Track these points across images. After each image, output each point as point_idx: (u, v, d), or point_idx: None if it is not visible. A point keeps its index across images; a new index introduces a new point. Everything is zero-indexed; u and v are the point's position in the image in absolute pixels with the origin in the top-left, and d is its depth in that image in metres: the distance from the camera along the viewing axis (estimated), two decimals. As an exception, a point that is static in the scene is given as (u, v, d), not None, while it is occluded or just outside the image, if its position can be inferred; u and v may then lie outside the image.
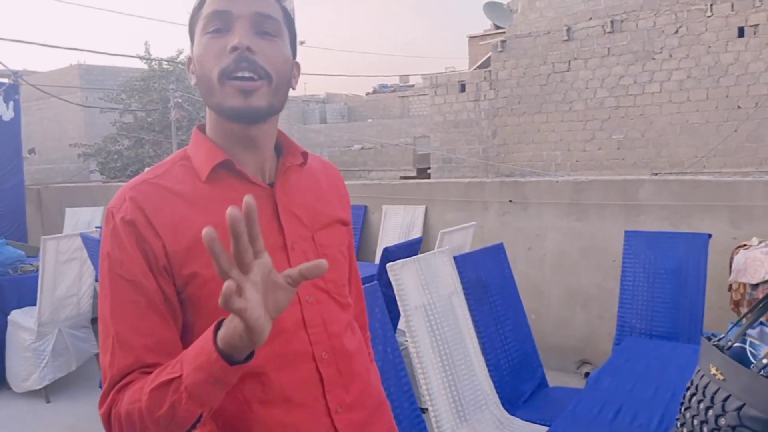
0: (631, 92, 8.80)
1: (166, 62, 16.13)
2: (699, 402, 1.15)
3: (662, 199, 3.53)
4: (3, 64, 7.11)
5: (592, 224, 3.76)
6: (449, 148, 10.73)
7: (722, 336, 1.22)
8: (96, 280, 3.67)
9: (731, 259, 3.00)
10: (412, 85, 26.53)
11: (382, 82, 27.95)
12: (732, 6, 7.92)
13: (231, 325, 0.71)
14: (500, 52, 10.05)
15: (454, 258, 2.45)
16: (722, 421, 1.08)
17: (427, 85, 12.63)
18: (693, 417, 1.16)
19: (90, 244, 3.45)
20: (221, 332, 0.73)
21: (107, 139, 16.22)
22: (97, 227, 4.67)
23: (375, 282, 2.03)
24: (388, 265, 2.15)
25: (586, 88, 9.20)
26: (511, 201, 4.06)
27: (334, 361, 0.97)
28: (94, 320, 3.90)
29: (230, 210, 0.66)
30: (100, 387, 0.89)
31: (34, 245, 4.96)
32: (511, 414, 2.26)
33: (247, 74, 0.89)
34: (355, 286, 1.19)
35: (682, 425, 1.21)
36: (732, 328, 1.24)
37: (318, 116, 23.70)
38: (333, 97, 26.79)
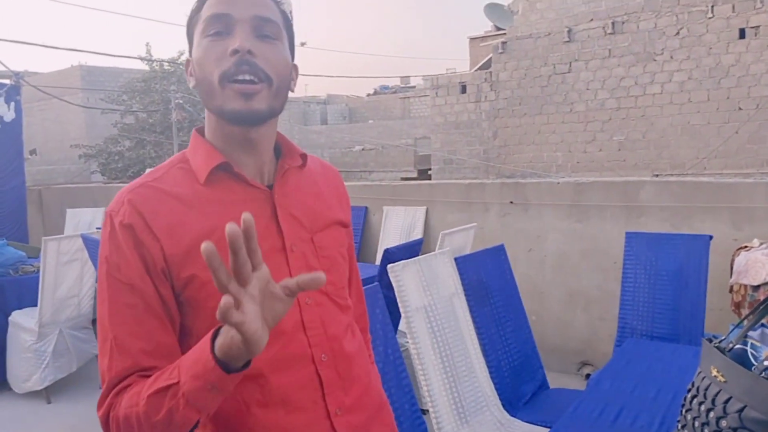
0: (632, 93, 8.80)
1: (167, 63, 16.15)
2: (700, 404, 1.15)
3: (663, 200, 3.53)
4: (4, 65, 7.12)
5: (593, 225, 3.76)
6: (450, 149, 10.73)
7: (723, 338, 1.22)
8: (96, 282, 3.67)
9: (732, 260, 2.99)
10: (413, 87, 26.53)
11: (383, 84, 27.97)
12: (733, 7, 7.92)
13: (228, 335, 0.72)
14: (501, 53, 10.06)
15: (455, 259, 2.45)
16: (723, 423, 1.08)
17: (428, 86, 12.64)
18: (694, 419, 1.16)
19: (91, 244, 3.45)
20: (219, 341, 0.73)
21: (108, 140, 16.23)
22: (98, 228, 4.67)
23: (376, 283, 2.03)
24: (388, 266, 2.15)
25: (587, 89, 9.20)
26: (511, 202, 4.06)
27: (334, 363, 0.97)
28: (95, 321, 3.90)
29: (229, 226, 0.67)
30: (101, 388, 0.90)
31: (35, 246, 4.96)
32: (512, 415, 2.26)
33: (248, 77, 0.89)
34: (355, 288, 1.19)
35: (683, 427, 1.20)
36: (733, 329, 1.24)
37: (319, 117, 23.71)
38: (334, 98, 26.80)
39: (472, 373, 2.23)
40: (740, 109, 7.96)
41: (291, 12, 1.00)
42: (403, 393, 1.93)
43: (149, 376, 0.84)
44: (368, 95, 27.09)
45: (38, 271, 3.74)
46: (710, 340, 1.21)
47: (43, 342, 3.65)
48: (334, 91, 27.56)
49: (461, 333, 2.27)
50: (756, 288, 2.72)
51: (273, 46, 0.93)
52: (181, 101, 14.37)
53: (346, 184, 1.18)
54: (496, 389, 2.31)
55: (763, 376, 1.05)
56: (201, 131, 1.00)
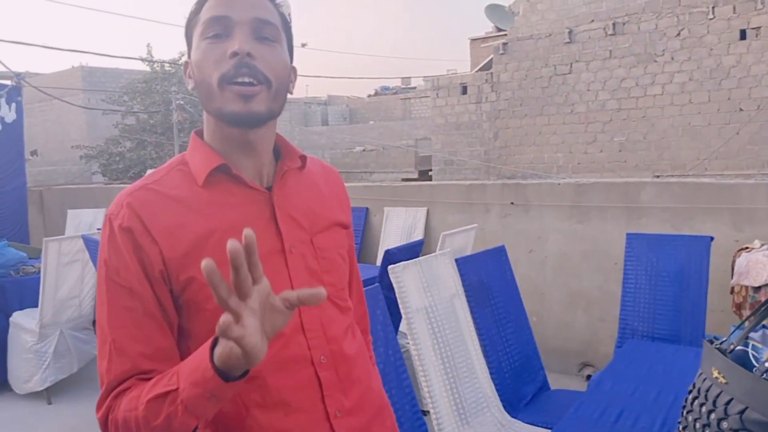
0: (632, 95, 8.80)
1: (168, 64, 16.16)
2: (701, 405, 1.15)
3: (664, 201, 3.53)
4: (5, 66, 7.13)
5: (594, 227, 3.76)
6: (451, 150, 10.73)
7: (725, 339, 1.22)
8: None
9: (733, 261, 2.99)
10: (414, 88, 26.53)
11: (384, 84, 27.97)
12: (734, 9, 7.92)
13: (228, 346, 0.72)
14: (502, 54, 10.06)
15: (456, 260, 2.45)
16: (725, 425, 1.08)
17: (429, 87, 12.63)
18: (695, 420, 1.16)
19: (92, 245, 3.45)
20: (218, 350, 0.74)
21: (109, 141, 16.25)
22: (98, 229, 4.67)
23: (376, 284, 2.03)
24: (389, 267, 2.15)
25: (588, 90, 9.20)
26: (512, 203, 4.06)
27: (333, 365, 0.96)
28: (95, 322, 3.88)
29: (230, 243, 0.68)
30: (101, 389, 0.91)
31: (36, 247, 4.96)
32: (513, 417, 2.26)
33: (247, 79, 0.89)
34: (356, 289, 1.19)
35: (684, 429, 1.20)
36: (734, 331, 1.24)
37: (320, 118, 23.71)
38: (335, 99, 26.81)
39: (472, 374, 2.23)
40: (741, 110, 7.96)
41: (290, 14, 1.00)
42: (403, 394, 1.93)
43: (148, 379, 0.84)
44: (369, 96, 27.09)
45: (39, 271, 3.75)
46: (711, 342, 1.21)
47: (44, 343, 3.65)
48: (335, 92, 27.57)
49: (462, 334, 2.27)
50: (757, 289, 2.72)
51: (272, 48, 0.93)
52: (182, 102, 14.37)
53: (346, 184, 1.18)
54: (497, 390, 2.31)
55: (764, 378, 1.05)
56: (200, 133, 1.00)
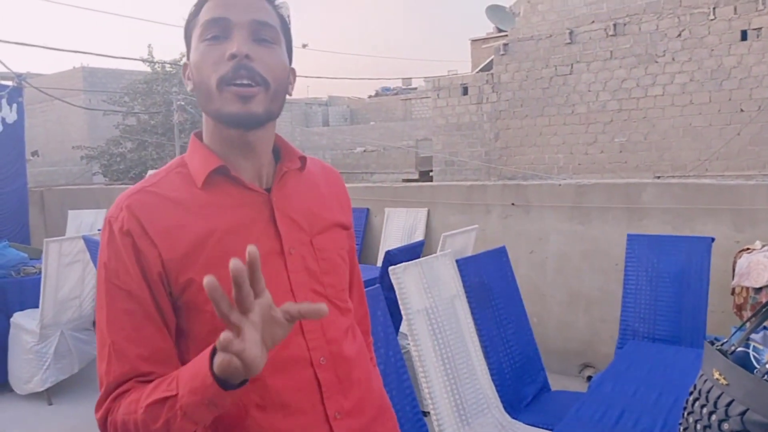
0: (633, 95, 8.80)
1: (169, 65, 16.19)
2: (702, 407, 1.15)
3: (665, 202, 3.53)
4: (7, 67, 7.14)
5: (595, 227, 3.75)
6: (451, 150, 10.73)
7: (725, 340, 1.22)
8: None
9: (734, 262, 2.99)
10: (415, 88, 26.55)
11: (385, 85, 28.00)
12: (735, 9, 7.92)
13: (228, 358, 0.73)
14: (503, 55, 10.06)
15: (457, 261, 2.45)
16: (726, 426, 1.07)
17: (430, 88, 12.64)
18: (696, 422, 1.16)
19: (92, 246, 3.45)
20: (217, 359, 0.74)
21: (110, 142, 16.27)
22: (99, 230, 4.67)
23: (377, 285, 2.03)
24: (390, 268, 2.15)
25: (589, 91, 9.20)
26: (513, 204, 4.06)
27: (333, 366, 0.96)
28: (96, 323, 3.90)
29: (233, 263, 0.68)
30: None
31: (36, 247, 4.97)
32: (513, 418, 2.26)
33: (245, 81, 0.89)
34: (357, 290, 1.19)
35: (685, 430, 1.20)
36: (735, 332, 1.23)
37: (320, 119, 23.72)
38: (335, 99, 26.82)
39: (473, 375, 2.22)
40: (742, 110, 7.96)
41: (289, 16, 1.00)
42: (404, 395, 1.93)
43: (147, 381, 0.85)
44: (370, 97, 27.10)
45: (40, 272, 3.75)
46: (712, 343, 1.21)
47: (44, 343, 3.65)
48: (336, 93, 27.62)
49: (462, 335, 2.27)
50: (758, 290, 2.71)
51: (271, 50, 0.93)
52: (182, 103, 14.39)
53: (347, 185, 1.18)
54: (498, 391, 2.30)
55: (765, 379, 1.05)
56: (199, 135, 1.00)
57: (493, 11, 13.97)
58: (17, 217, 6.52)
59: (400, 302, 2.11)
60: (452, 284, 2.35)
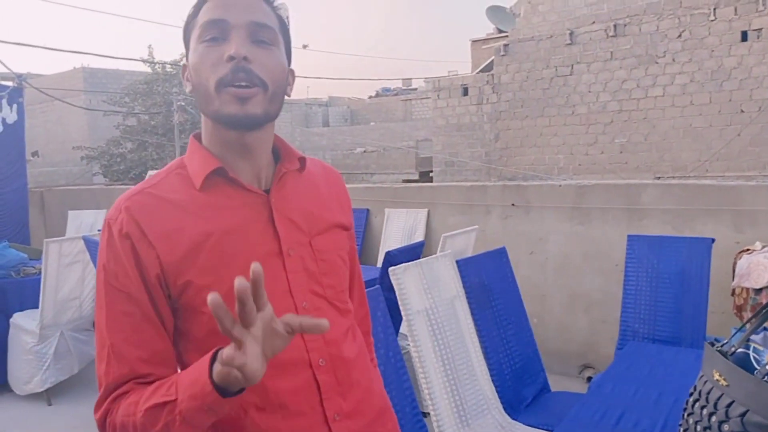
0: (634, 96, 8.80)
1: (169, 65, 16.20)
2: (702, 408, 1.15)
3: (665, 203, 3.53)
4: (7, 67, 7.14)
5: (595, 228, 3.75)
6: (452, 151, 10.73)
7: (726, 341, 1.22)
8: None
9: (734, 263, 2.98)
10: (415, 89, 26.55)
11: (385, 86, 28.01)
12: (735, 10, 7.92)
13: (228, 369, 0.74)
14: (503, 55, 10.06)
15: (457, 262, 2.45)
16: (726, 428, 1.07)
17: (430, 88, 12.65)
18: (696, 423, 1.16)
19: (92, 247, 3.45)
20: (217, 368, 0.76)
21: (110, 142, 16.27)
22: (99, 230, 4.66)
23: (377, 286, 2.03)
24: (390, 269, 2.14)
25: (589, 91, 9.20)
26: (513, 205, 4.06)
27: (332, 368, 0.96)
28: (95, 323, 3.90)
29: (237, 281, 0.69)
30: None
31: (36, 248, 4.96)
32: (513, 419, 2.26)
33: (243, 83, 0.89)
34: (358, 290, 1.18)
35: (685, 431, 1.20)
36: (735, 333, 1.23)
37: (321, 119, 23.72)
38: (336, 100, 26.83)
39: (473, 376, 2.22)
40: (742, 111, 7.96)
41: (288, 17, 1.00)
42: (404, 396, 1.93)
43: (145, 383, 0.86)
44: (370, 97, 27.10)
45: (40, 273, 3.75)
46: (712, 344, 1.20)
47: (44, 344, 3.65)
48: (336, 94, 27.60)
49: (462, 336, 2.27)
50: (758, 291, 2.71)
51: (269, 51, 0.93)
52: (183, 103, 14.40)
53: (347, 186, 1.17)
54: (498, 392, 2.30)
55: (765, 381, 1.04)
56: (198, 137, 1.00)
57: (494, 12, 13.97)
58: (17, 218, 6.52)
59: (400, 303, 2.10)
60: (452, 285, 2.35)
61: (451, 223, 4.32)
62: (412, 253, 3.04)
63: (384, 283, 2.28)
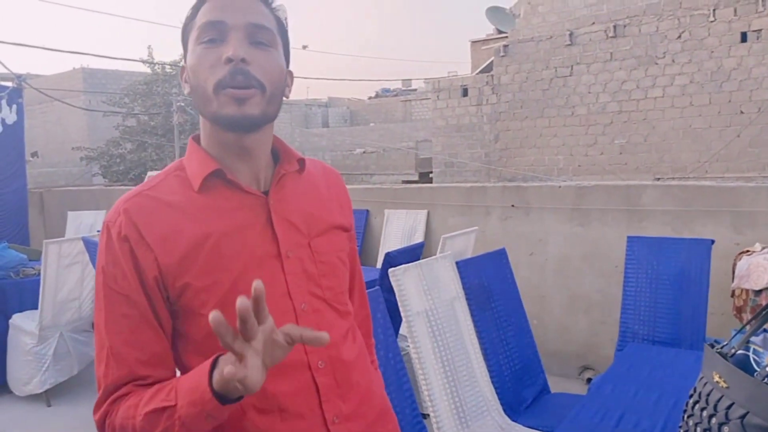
0: (633, 97, 8.80)
1: (168, 66, 16.19)
2: (702, 410, 1.15)
3: (665, 204, 3.53)
4: (6, 68, 7.13)
5: (595, 229, 3.75)
6: (451, 152, 10.72)
7: (726, 343, 1.21)
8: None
9: (734, 265, 2.98)
10: (415, 90, 26.56)
11: (385, 86, 28.02)
12: (735, 11, 7.92)
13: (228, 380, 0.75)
14: (502, 56, 10.06)
15: (457, 263, 2.45)
16: (725, 430, 1.07)
17: (430, 89, 12.64)
18: (696, 425, 1.16)
19: (92, 248, 3.45)
20: (217, 377, 0.76)
21: (110, 143, 16.25)
22: (98, 231, 4.66)
23: (377, 287, 2.03)
24: (390, 270, 2.14)
25: (589, 92, 9.20)
26: (513, 206, 4.06)
27: (331, 370, 0.96)
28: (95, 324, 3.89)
29: (239, 301, 0.70)
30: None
31: (36, 249, 4.96)
32: (513, 420, 2.25)
33: (241, 85, 0.89)
34: (358, 292, 1.18)
35: (685, 433, 1.20)
36: (735, 335, 1.23)
37: (320, 120, 23.73)
38: (335, 101, 26.83)
39: (473, 378, 2.22)
40: (742, 112, 7.96)
41: (286, 18, 1.00)
42: (403, 397, 1.93)
43: (144, 385, 0.87)
44: (369, 98, 27.11)
45: (39, 273, 3.74)
46: (712, 346, 1.20)
47: (43, 345, 3.64)
48: (336, 94, 27.60)
49: (462, 337, 2.27)
50: (758, 293, 2.71)
51: (267, 53, 0.93)
52: (182, 104, 14.38)
53: (347, 186, 1.17)
54: (497, 393, 2.30)
55: (765, 383, 1.04)
56: (197, 139, 1.00)
57: (493, 13, 13.97)
58: (17, 218, 6.52)
59: (399, 304, 2.10)
60: (452, 286, 2.35)
61: (451, 224, 4.32)
62: (412, 254, 3.04)
63: (384, 285, 2.29)
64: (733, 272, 2.96)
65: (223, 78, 0.88)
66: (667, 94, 8.50)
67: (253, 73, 0.89)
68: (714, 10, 8.03)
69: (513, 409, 2.36)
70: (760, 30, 7.75)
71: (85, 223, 5.65)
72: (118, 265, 0.89)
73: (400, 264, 2.21)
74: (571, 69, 9.34)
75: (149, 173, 5.80)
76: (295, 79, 1.06)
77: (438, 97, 10.92)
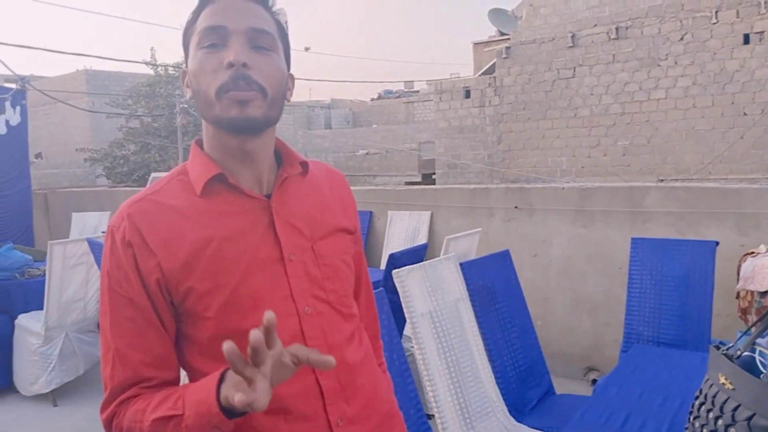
0: (636, 99, 8.79)
1: (171, 68, 16.22)
2: (708, 411, 1.15)
3: (668, 206, 3.53)
4: (10, 70, 7.15)
5: (598, 231, 3.75)
6: (454, 153, 10.73)
7: (731, 345, 1.21)
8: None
9: (739, 266, 2.98)
10: (417, 91, 26.58)
11: (387, 88, 28.03)
12: (737, 13, 7.91)
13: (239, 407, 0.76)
14: (505, 58, 10.06)
15: (461, 264, 2.45)
16: (732, 431, 1.07)
17: (432, 91, 12.64)
18: (702, 426, 1.16)
19: (96, 248, 3.46)
20: (224, 392, 0.78)
21: (113, 144, 16.28)
22: (103, 232, 4.68)
23: (381, 288, 2.04)
24: (394, 271, 2.15)
25: (591, 94, 9.20)
26: (516, 207, 4.06)
27: (335, 373, 0.96)
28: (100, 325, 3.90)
29: (252, 334, 0.71)
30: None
31: (41, 250, 4.98)
32: (518, 421, 2.26)
33: (243, 90, 0.90)
34: (365, 294, 1.18)
35: (691, 434, 1.20)
36: (741, 336, 1.23)
37: (323, 122, 23.74)
38: (338, 102, 26.86)
39: (477, 379, 2.22)
40: (745, 114, 7.95)
41: (286, 22, 1.00)
42: (408, 398, 1.93)
43: (150, 387, 0.89)
44: (372, 100, 27.13)
45: (44, 274, 3.76)
46: (718, 347, 1.20)
47: (49, 345, 3.66)
48: (338, 96, 27.70)
49: (467, 338, 2.27)
50: (763, 294, 2.71)
51: (268, 57, 0.93)
52: (185, 105, 14.40)
53: (351, 189, 1.17)
54: (502, 395, 2.30)
55: (772, 384, 1.04)
56: (200, 143, 1.01)
57: (496, 14, 13.97)
58: (21, 220, 6.54)
59: (404, 305, 2.11)
60: (456, 287, 2.35)
61: (454, 225, 4.32)
62: (416, 255, 3.04)
63: (388, 286, 2.29)
64: (738, 274, 2.95)
65: (225, 83, 0.89)
66: (670, 96, 8.50)
67: (254, 78, 0.90)
68: (716, 12, 8.02)
69: (518, 410, 2.36)
70: (763, 32, 7.74)
71: (90, 223, 5.66)
72: (121, 269, 0.90)
73: (404, 265, 2.21)
74: (574, 71, 9.34)
75: (153, 175, 5.81)
76: (297, 81, 1.06)
77: (440, 98, 10.92)
